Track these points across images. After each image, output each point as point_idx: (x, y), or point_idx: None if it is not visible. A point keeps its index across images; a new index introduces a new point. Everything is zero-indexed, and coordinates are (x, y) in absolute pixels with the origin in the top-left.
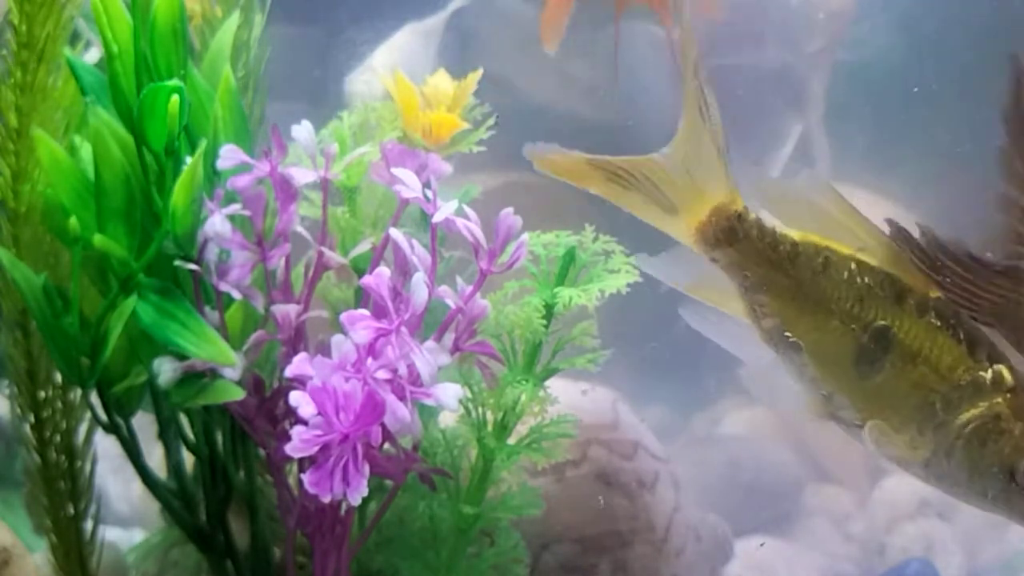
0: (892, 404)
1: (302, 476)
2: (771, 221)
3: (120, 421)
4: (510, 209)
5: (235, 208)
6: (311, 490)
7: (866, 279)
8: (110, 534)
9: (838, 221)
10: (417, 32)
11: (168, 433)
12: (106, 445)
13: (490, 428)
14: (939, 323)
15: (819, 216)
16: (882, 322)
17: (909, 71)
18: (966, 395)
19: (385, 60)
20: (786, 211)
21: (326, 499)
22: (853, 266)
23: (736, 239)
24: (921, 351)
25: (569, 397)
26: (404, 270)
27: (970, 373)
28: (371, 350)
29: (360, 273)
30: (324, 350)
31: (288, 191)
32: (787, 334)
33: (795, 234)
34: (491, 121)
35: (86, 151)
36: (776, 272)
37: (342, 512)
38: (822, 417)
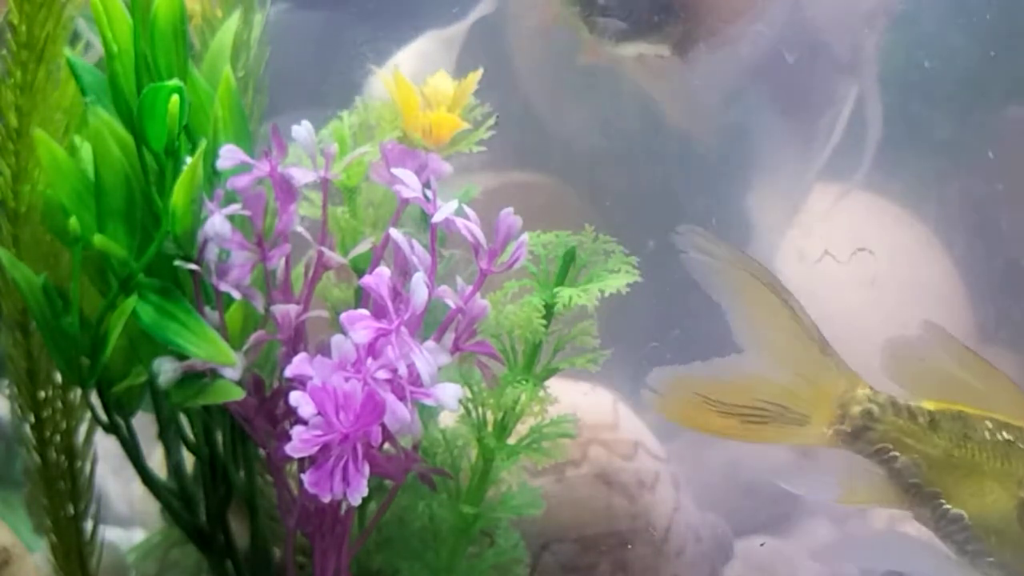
0: None
1: (302, 476)
2: (901, 394)
3: (120, 421)
4: (510, 209)
5: (235, 208)
6: (311, 490)
7: (1004, 434)
8: (110, 534)
9: (964, 376)
10: (439, 39)
11: (168, 433)
12: (106, 445)
13: (490, 428)
14: None
15: (948, 373)
16: None
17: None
18: None
19: (405, 65)
20: (913, 374)
21: (326, 499)
22: (989, 424)
23: (875, 421)
24: None
25: (569, 397)
26: (404, 270)
27: None
28: (371, 350)
29: (360, 273)
30: (324, 350)
31: (288, 191)
32: (947, 507)
33: (926, 403)
34: (491, 121)
35: (86, 151)
36: (923, 445)
37: (342, 512)
38: None
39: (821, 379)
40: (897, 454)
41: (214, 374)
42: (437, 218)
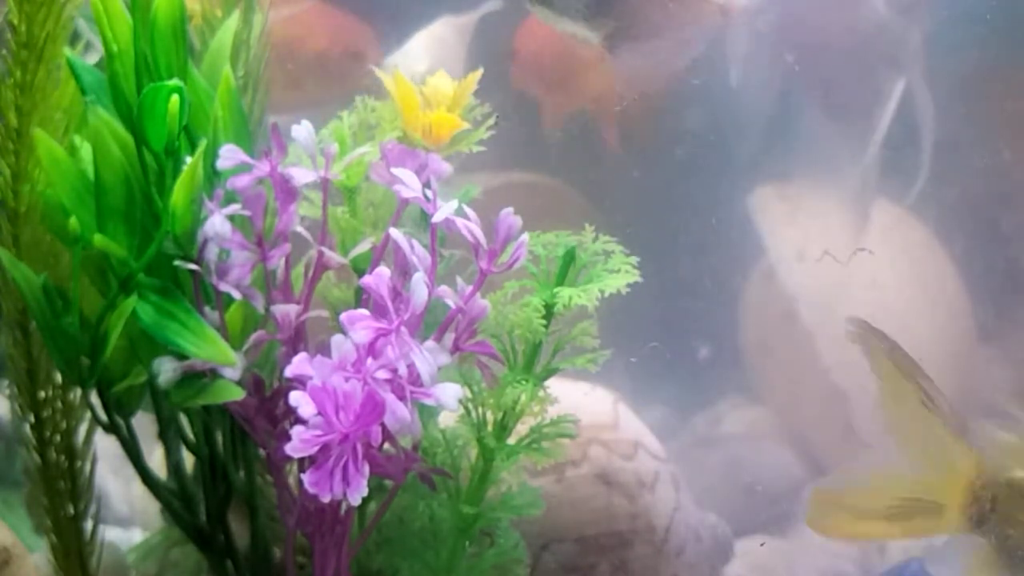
0: None
1: (302, 476)
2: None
3: (120, 421)
4: (510, 209)
5: (235, 208)
6: (311, 490)
7: None
8: (110, 534)
9: None
10: (453, 25)
11: (168, 433)
12: (106, 445)
13: (490, 428)
14: None
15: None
16: None
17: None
18: None
19: (422, 46)
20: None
21: (326, 499)
22: None
23: (998, 504)
24: None
25: (569, 397)
26: (404, 270)
27: None
28: (371, 350)
29: (360, 273)
30: (324, 350)
31: (288, 191)
32: None
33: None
34: (491, 121)
35: (86, 151)
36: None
37: (342, 512)
38: None
39: (951, 466)
40: (1011, 533)
41: (214, 374)
42: (437, 218)
